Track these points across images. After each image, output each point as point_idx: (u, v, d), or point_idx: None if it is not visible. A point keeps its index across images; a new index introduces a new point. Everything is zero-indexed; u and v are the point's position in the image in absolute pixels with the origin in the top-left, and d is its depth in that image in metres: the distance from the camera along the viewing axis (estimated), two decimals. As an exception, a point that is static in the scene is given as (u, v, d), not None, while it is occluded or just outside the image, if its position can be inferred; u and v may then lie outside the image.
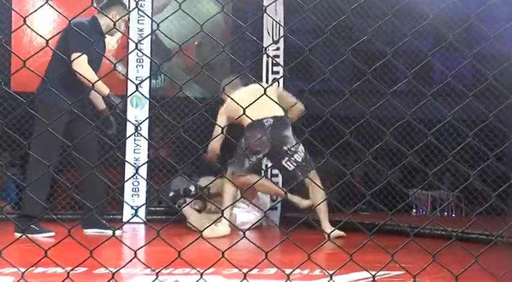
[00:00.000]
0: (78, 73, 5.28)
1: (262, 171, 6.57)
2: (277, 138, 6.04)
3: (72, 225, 2.45)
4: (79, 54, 5.51)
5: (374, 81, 2.95)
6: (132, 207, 7.11)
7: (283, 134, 6.07)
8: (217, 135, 6.03)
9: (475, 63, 2.95)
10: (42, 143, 5.50)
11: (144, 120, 7.16)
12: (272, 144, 6.03)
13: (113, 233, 2.36)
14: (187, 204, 6.64)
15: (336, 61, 4.79)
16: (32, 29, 5.67)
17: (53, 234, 5.46)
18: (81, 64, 5.50)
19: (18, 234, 5.32)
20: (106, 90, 5.66)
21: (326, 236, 5.29)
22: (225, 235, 5.96)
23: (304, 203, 6.26)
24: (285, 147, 6.03)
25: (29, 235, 4.42)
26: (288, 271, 2.65)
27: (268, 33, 7.55)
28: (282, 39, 7.56)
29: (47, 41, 2.20)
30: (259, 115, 5.91)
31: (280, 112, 6.02)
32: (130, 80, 7.05)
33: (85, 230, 5.82)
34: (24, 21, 2.20)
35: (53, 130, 5.19)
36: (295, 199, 6.35)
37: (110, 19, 5.75)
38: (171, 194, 6.86)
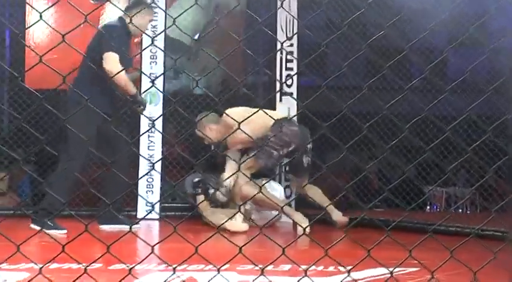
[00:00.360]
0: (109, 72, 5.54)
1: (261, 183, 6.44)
2: (305, 134, 6.22)
3: (88, 221, 2.44)
4: (110, 53, 5.65)
5: (390, 77, 2.93)
6: (147, 203, 7.10)
7: (306, 132, 6.22)
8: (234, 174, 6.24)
9: (490, 59, 2.93)
10: (76, 142, 5.58)
11: (160, 116, 7.16)
12: (301, 138, 6.17)
13: (130, 228, 2.35)
14: (203, 201, 6.64)
15: (349, 57, 4.79)
16: (48, 24, 5.68)
17: (65, 232, 5.46)
18: (111, 62, 5.64)
19: (34, 227, 5.51)
20: (134, 90, 5.79)
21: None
22: (243, 231, 5.99)
23: (304, 224, 6.09)
24: (309, 145, 6.30)
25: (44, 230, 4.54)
26: (303, 267, 2.64)
27: (282, 30, 7.51)
28: (295, 36, 7.53)
29: (63, 35, 2.18)
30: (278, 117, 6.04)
31: None
32: (147, 76, 7.03)
33: (101, 226, 5.83)
34: (41, 16, 2.20)
35: (87, 130, 5.40)
36: (296, 217, 6.25)
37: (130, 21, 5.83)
38: (195, 180, 6.84)
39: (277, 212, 6.54)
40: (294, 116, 6.68)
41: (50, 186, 5.59)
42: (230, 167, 6.38)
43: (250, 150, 6.31)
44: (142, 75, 7.20)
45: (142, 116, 6.99)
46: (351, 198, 6.90)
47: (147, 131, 7.08)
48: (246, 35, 7.85)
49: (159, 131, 6.99)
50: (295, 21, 7.41)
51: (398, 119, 5.88)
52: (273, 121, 5.77)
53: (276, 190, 6.84)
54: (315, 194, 6.51)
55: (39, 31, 7.88)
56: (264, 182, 6.09)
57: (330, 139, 2.67)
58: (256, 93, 8.38)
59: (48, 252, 2.43)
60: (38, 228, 5.37)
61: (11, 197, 7.56)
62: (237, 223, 6.00)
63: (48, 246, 2.45)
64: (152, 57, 7.30)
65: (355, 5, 6.93)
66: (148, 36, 7.16)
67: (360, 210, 6.91)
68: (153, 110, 7.17)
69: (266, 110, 6.11)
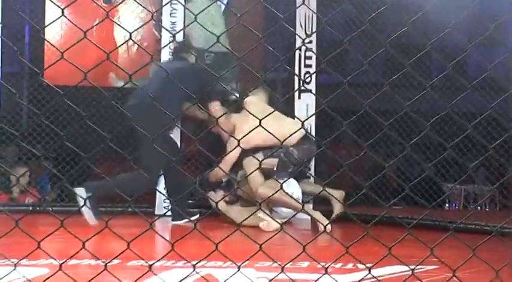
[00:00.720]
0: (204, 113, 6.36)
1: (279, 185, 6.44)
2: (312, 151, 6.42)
3: (109, 217, 2.44)
4: (217, 103, 6.29)
5: (409, 74, 2.92)
6: (164, 200, 7.10)
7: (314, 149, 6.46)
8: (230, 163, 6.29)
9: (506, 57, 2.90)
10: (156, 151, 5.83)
11: (179, 114, 7.10)
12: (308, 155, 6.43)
13: (195, 225, 2.36)
14: (221, 200, 6.61)
15: (368, 54, 4.76)
16: (69, 20, 5.70)
17: (197, 216, 6.41)
18: (217, 113, 6.17)
19: (178, 223, 6.38)
20: None
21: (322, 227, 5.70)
22: (278, 229, 6.01)
23: (324, 222, 6.10)
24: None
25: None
26: (322, 264, 2.63)
27: (301, 26, 7.49)
28: (314, 33, 7.49)
29: (85, 32, 2.19)
30: (301, 132, 6.13)
31: None
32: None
33: (174, 222, 6.43)
34: (62, 12, 2.20)
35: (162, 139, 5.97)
36: (317, 215, 6.23)
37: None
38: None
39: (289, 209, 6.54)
40: (313, 114, 6.65)
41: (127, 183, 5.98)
42: (248, 164, 6.35)
43: (257, 151, 6.28)
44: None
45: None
46: (369, 196, 6.87)
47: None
48: (268, 31, 7.83)
49: (180, 128, 6.95)
50: (314, 19, 7.39)
51: (420, 116, 5.86)
52: (289, 134, 5.84)
53: (292, 185, 6.79)
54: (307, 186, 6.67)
55: (53, 31, 7.95)
56: (281, 181, 6.12)
57: (347, 136, 2.67)
58: (274, 90, 8.36)
59: (67, 248, 2.43)
60: (182, 222, 6.36)
61: (31, 193, 7.58)
62: (273, 223, 5.99)
63: (68, 242, 2.45)
64: (171, 54, 7.28)
65: (374, 1, 6.89)
66: (169, 32, 7.16)
67: (377, 207, 6.89)
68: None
69: (283, 116, 6.20)
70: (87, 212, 5.63)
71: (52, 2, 7.57)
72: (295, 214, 6.44)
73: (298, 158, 6.24)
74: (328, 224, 5.64)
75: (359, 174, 7.79)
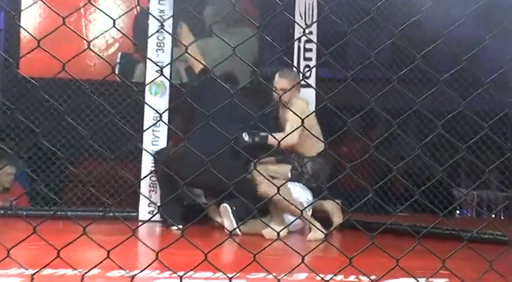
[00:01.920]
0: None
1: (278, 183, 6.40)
2: None
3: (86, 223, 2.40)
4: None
5: (416, 70, 2.90)
6: (149, 204, 7.07)
7: None
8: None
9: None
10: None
11: (166, 109, 7.05)
12: None
13: (182, 233, 2.32)
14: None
15: (373, 47, 4.70)
16: (47, 5, 5.63)
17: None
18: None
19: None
20: None
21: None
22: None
23: (319, 236, 6.10)
24: None
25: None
26: (322, 276, 2.60)
27: (301, 17, 7.47)
28: (314, 24, 7.47)
29: (64, 18, 2.15)
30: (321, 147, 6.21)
31: None
32: (155, 63, 6.99)
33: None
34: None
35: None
36: (316, 225, 6.20)
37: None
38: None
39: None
40: (313, 112, 6.60)
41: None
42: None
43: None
44: (148, 64, 7.18)
45: (146, 108, 6.98)
46: (372, 202, 6.86)
47: (154, 124, 7.01)
48: (266, 20, 7.81)
49: (165, 123, 6.91)
50: (315, 9, 7.36)
51: (425, 114, 5.82)
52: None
53: (300, 190, 6.72)
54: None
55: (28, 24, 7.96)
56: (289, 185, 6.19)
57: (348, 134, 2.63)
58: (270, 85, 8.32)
59: (41, 257, 2.39)
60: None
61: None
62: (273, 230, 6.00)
63: (42, 249, 2.42)
64: (159, 44, 7.24)
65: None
66: (158, 20, 7.11)
67: (381, 214, 6.87)
68: (158, 101, 7.12)
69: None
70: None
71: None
72: (293, 221, 6.39)
73: (311, 171, 6.28)
74: (325, 236, 5.61)
75: (361, 177, 7.76)
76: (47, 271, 3.44)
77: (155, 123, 6.98)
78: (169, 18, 7.21)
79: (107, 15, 2.69)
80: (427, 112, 5.87)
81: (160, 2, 7.27)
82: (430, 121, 6.92)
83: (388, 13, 7.03)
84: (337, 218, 6.62)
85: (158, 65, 6.97)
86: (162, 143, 7.15)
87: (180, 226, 6.19)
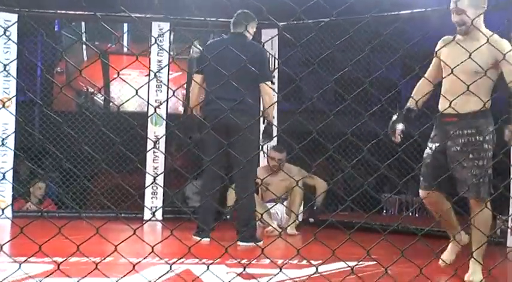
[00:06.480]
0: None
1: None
2: None
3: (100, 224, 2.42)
4: (270, 83, 5.17)
5: (353, 104, 2.95)
6: (151, 208, 7.10)
7: None
8: None
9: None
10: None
11: (162, 136, 7.11)
12: None
13: (171, 232, 2.35)
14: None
15: (320, 86, 4.78)
16: (86, 44, 5.65)
17: (261, 243, 5.02)
18: (271, 94, 5.28)
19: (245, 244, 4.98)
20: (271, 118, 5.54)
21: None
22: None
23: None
24: None
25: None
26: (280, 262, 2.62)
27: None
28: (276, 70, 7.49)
29: (100, 54, 2.17)
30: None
31: None
32: (151, 105, 7.03)
33: (240, 243, 4.98)
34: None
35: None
36: (274, 225, 6.10)
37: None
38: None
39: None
40: (275, 136, 6.60)
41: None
42: None
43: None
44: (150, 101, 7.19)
45: (149, 134, 7.00)
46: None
47: (151, 149, 6.99)
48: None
49: (161, 152, 6.94)
50: (277, 57, 7.38)
51: (362, 138, 5.89)
52: None
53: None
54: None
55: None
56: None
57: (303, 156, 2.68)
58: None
59: (68, 248, 2.42)
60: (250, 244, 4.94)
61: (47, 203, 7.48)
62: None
63: (69, 243, 2.45)
64: (158, 86, 7.26)
65: (326, 44, 6.89)
66: (152, 71, 7.14)
67: (327, 213, 6.92)
68: (158, 129, 7.19)
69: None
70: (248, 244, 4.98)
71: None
72: (258, 220, 6.33)
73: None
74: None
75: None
76: (74, 259, 3.46)
77: (153, 147, 6.91)
78: (165, 67, 7.23)
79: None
80: (361, 136, 5.94)
81: (159, 54, 7.29)
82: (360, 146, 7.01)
83: (333, 61, 7.11)
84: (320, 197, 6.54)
85: (153, 105, 7.03)
86: (161, 161, 7.18)
87: (208, 239, 4.77)
